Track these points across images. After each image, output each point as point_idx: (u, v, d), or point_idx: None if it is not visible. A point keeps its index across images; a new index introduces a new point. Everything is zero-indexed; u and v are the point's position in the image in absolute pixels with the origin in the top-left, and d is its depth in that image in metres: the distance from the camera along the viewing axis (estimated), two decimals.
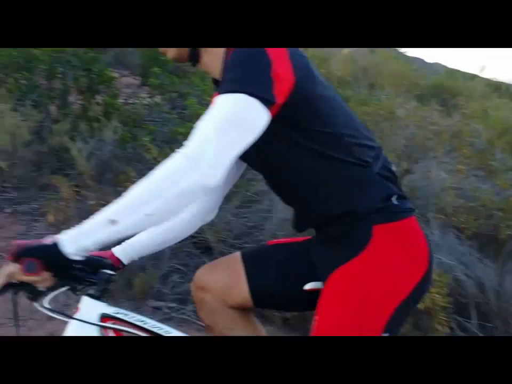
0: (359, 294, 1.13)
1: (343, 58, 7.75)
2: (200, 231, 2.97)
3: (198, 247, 3.01)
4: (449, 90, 6.89)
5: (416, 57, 13.52)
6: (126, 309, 1.24)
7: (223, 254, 2.93)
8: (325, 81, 1.22)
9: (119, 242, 1.31)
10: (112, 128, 3.17)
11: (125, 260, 1.39)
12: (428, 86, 7.16)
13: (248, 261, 1.38)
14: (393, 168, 1.25)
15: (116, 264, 1.36)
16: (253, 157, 1.24)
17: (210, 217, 1.45)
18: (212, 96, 1.27)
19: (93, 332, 1.17)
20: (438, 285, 2.21)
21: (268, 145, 1.16)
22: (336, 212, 1.18)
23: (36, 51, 3.07)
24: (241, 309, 1.40)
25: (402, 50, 10.17)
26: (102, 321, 1.18)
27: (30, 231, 3.24)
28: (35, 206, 3.54)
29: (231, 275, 1.37)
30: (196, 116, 3.62)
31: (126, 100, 4.06)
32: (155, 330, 1.20)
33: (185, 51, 1.20)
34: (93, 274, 1.18)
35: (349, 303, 1.14)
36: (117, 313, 1.20)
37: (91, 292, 1.19)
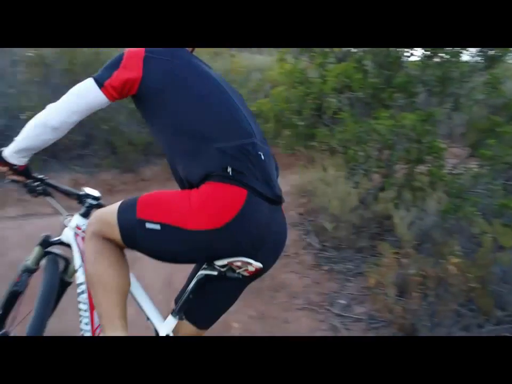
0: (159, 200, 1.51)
1: None
2: None
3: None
4: None
5: None
6: None
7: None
8: (197, 81, 1.57)
9: None
10: (436, 198, 3.17)
11: None
12: None
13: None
14: (269, 162, 1.51)
15: None
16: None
17: None
18: None
19: (71, 232, 1.81)
20: None
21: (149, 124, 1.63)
22: (188, 176, 1.52)
23: (370, 128, 3.37)
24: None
25: None
26: (77, 229, 1.81)
27: (343, 290, 3.44)
28: (350, 266, 3.76)
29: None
30: None
31: (451, 170, 4.01)
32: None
33: None
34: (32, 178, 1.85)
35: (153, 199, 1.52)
36: (83, 225, 1.80)
37: (81, 211, 1.84)
